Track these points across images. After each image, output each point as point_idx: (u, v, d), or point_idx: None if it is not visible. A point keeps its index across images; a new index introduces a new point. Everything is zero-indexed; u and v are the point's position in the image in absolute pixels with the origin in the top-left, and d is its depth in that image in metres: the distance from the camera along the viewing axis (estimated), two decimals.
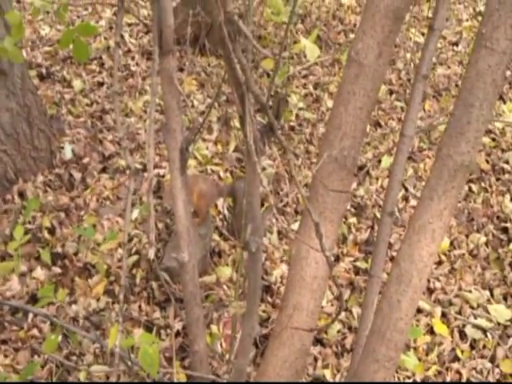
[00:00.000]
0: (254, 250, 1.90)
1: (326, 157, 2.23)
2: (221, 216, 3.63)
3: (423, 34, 5.78)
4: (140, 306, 3.14)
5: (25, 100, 3.73)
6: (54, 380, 2.78)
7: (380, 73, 2.23)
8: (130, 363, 2.38)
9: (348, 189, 2.38)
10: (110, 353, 2.81)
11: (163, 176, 3.83)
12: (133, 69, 5.02)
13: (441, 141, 1.97)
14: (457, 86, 5.18)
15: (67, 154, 3.92)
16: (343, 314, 3.16)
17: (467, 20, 6.14)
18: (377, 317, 2.18)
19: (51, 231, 3.44)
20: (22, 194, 3.63)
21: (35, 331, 2.98)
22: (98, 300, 3.14)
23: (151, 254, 2.31)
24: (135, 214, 3.52)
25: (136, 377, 2.75)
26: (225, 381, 2.45)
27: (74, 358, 2.89)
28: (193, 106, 4.63)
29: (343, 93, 2.24)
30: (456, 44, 5.80)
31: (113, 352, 2.69)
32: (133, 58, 5.18)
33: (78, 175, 3.79)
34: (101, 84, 4.84)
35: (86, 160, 3.91)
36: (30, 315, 3.03)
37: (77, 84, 4.73)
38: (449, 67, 5.43)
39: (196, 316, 2.29)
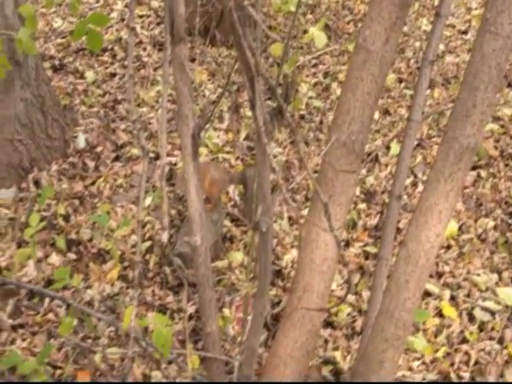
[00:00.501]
0: (264, 230, 1.93)
1: (334, 141, 2.26)
2: (232, 202, 3.68)
3: (432, 23, 5.78)
4: (153, 291, 3.18)
5: (39, 90, 3.78)
6: (71, 362, 2.84)
7: (387, 59, 2.26)
8: (144, 345, 2.42)
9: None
10: (124, 335, 2.86)
11: (175, 164, 3.88)
12: (144, 60, 5.07)
13: (447, 124, 2.01)
14: None
15: (81, 143, 3.97)
16: (353, 297, 3.20)
17: (476, 8, 6.14)
18: (385, 297, 2.23)
19: (66, 218, 3.49)
20: (36, 183, 3.69)
21: (51, 315, 3.03)
22: (112, 285, 3.19)
23: (164, 238, 2.36)
24: (148, 200, 3.57)
25: (150, 359, 2.80)
26: (236, 363, 2.48)
27: (89, 341, 2.94)
28: (204, 96, 4.67)
29: (351, 78, 2.27)
30: (465, 32, 5.80)
31: (127, 334, 2.76)
32: (144, 49, 5.23)
33: (91, 164, 3.84)
34: (113, 75, 4.89)
35: (99, 149, 3.96)
36: (47, 300, 3.09)
37: (89, 75, 4.78)
38: (457, 55, 5.44)
39: (208, 298, 2.33)
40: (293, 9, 5.34)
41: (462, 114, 1.96)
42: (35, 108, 3.76)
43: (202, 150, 3.95)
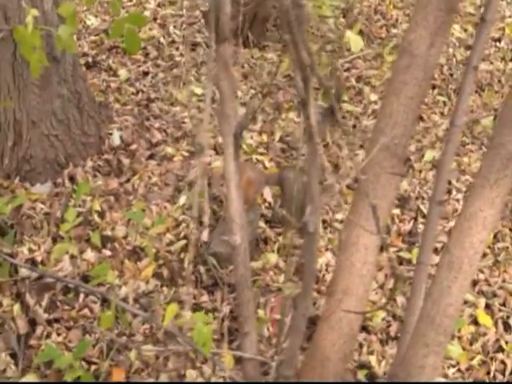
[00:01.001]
0: (311, 231, 1.94)
1: (376, 144, 2.27)
2: (266, 204, 3.68)
3: (465, 30, 5.80)
4: (188, 290, 3.20)
5: (76, 87, 3.80)
6: (106, 358, 2.85)
7: (431, 63, 2.26)
8: (182, 342, 2.43)
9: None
10: (162, 333, 2.87)
11: (209, 163, 3.88)
12: (177, 59, 5.08)
13: (494, 130, 2.00)
14: (499, 81, 5.18)
15: (115, 140, 3.99)
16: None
17: (510, 16, 6.13)
18: (426, 302, 2.22)
19: (101, 215, 3.51)
20: (72, 178, 3.71)
21: (86, 311, 3.05)
22: (147, 282, 3.19)
23: (205, 236, 2.38)
24: (183, 200, 3.59)
25: (185, 357, 2.81)
26: (274, 364, 2.49)
27: (124, 338, 2.96)
28: (237, 97, 4.68)
29: (395, 82, 2.28)
30: (498, 40, 5.79)
31: (166, 331, 2.77)
32: (177, 49, 5.24)
33: (126, 161, 3.85)
34: (145, 73, 4.91)
35: (133, 146, 3.97)
36: (82, 295, 3.11)
37: (122, 73, 4.80)
38: (491, 63, 5.43)
39: (247, 298, 2.33)
40: (327, 13, 5.37)
41: (510, 120, 1.95)
42: (71, 104, 3.78)
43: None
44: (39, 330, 2.96)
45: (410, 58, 2.23)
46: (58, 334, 2.95)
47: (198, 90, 4.66)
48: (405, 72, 2.24)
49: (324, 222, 3.62)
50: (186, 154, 3.96)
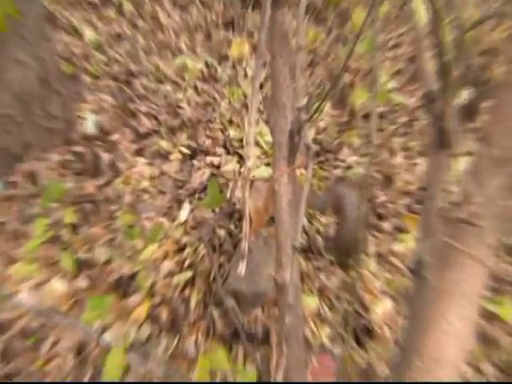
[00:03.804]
0: (425, 275, 1.91)
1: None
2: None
3: None
4: (196, 341, 3.10)
5: (39, 51, 3.68)
6: None
7: None
8: None
9: None
10: None
11: (218, 166, 3.80)
12: (163, 22, 4.99)
13: None
14: None
15: (90, 127, 3.89)
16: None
17: None
18: None
19: (74, 229, 3.41)
20: (31, 177, 3.60)
21: (60, 360, 2.95)
22: (139, 327, 3.10)
23: (241, 269, 2.30)
24: (184, 214, 3.51)
25: None
26: None
27: None
28: (246, 75, 4.61)
29: None
30: None
31: None
32: (161, 7, 5.14)
33: (105, 157, 3.75)
34: (119, 36, 4.80)
35: (115, 137, 3.88)
36: (48, 341, 3.01)
37: (89, 34, 4.69)
38: None
39: (296, 356, 2.29)
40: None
41: None
42: (33, 74, 3.66)
43: (254, 151, 3.89)
44: None
45: None
46: None
47: (193, 64, 4.58)
48: None
49: (379, 255, 3.53)
50: (186, 151, 3.87)
